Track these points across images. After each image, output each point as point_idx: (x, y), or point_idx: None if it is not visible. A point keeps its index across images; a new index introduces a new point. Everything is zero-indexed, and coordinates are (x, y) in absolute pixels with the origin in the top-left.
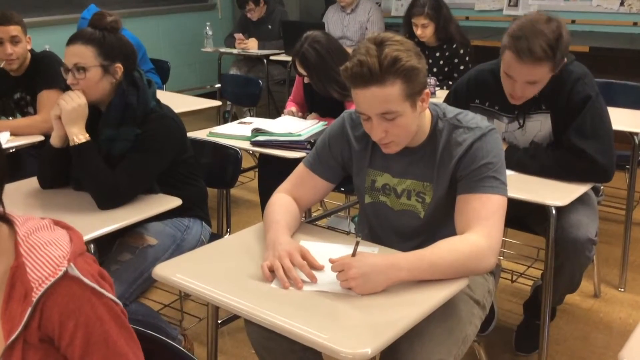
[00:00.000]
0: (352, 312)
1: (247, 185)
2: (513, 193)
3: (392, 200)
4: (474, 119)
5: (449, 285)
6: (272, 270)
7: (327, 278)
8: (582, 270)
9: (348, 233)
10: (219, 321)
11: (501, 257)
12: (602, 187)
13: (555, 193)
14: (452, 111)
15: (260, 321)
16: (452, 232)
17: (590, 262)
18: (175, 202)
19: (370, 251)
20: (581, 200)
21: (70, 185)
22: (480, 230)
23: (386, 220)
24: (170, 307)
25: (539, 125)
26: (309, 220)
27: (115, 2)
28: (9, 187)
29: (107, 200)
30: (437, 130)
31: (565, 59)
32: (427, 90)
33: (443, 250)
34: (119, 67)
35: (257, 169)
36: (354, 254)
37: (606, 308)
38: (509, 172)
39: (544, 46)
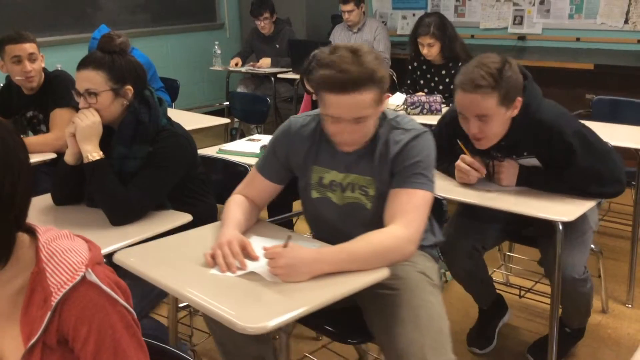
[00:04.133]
0: (273, 294)
1: None
2: (520, 209)
3: (338, 196)
4: (411, 122)
5: (369, 274)
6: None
7: (261, 266)
8: (584, 302)
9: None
10: None
11: (509, 273)
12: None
13: (562, 208)
14: (391, 114)
15: (188, 300)
16: None
17: (588, 296)
18: (185, 218)
19: (312, 246)
20: (568, 234)
21: (84, 201)
22: (400, 221)
23: (333, 215)
24: (179, 322)
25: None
26: (272, 219)
27: (125, 22)
28: None
29: (120, 217)
30: (379, 131)
31: (521, 99)
32: (387, 94)
33: (362, 242)
34: (129, 89)
35: None
36: (285, 246)
37: (614, 324)
38: (518, 188)
39: (484, 74)
